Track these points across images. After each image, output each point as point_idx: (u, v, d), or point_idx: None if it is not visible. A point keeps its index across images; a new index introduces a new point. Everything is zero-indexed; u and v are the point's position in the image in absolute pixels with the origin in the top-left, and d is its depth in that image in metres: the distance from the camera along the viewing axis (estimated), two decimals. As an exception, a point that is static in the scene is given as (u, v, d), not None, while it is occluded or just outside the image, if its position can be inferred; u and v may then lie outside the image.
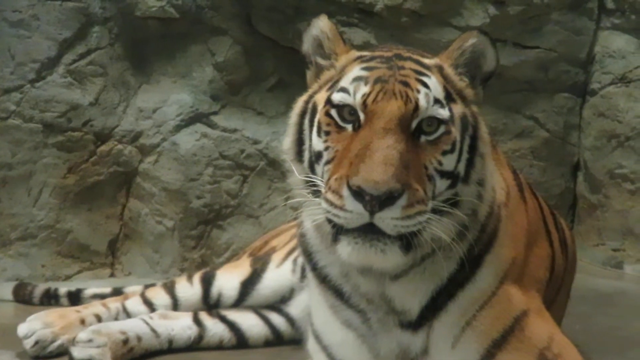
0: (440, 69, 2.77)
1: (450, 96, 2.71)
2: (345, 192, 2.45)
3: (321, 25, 2.89)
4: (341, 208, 2.47)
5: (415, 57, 2.80)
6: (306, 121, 2.79)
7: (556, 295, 3.46)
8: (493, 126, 6.11)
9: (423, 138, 2.60)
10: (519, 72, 6.50)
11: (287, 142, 2.88)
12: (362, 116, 2.59)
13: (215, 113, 5.92)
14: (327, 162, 2.64)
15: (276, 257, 4.11)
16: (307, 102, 2.83)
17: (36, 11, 5.44)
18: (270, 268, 4.07)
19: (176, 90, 5.84)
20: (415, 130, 2.59)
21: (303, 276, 3.80)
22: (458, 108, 2.71)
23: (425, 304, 2.78)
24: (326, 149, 2.65)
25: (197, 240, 5.72)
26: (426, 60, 2.80)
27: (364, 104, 2.59)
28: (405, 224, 2.46)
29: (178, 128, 5.78)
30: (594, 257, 6.32)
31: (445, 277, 2.78)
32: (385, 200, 2.40)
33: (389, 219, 2.43)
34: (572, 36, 6.57)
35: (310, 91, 2.88)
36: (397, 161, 2.43)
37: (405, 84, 2.62)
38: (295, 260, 3.99)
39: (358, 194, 2.41)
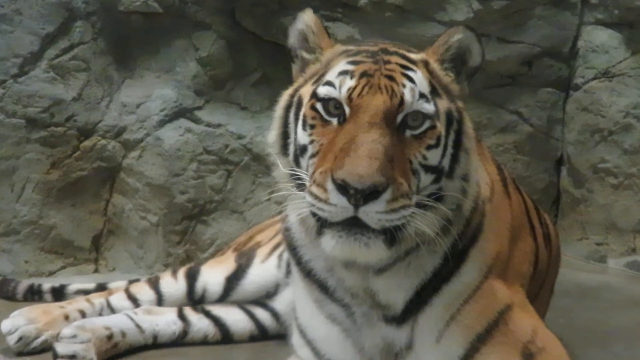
0: (426, 64, 2.78)
1: (435, 91, 2.72)
2: (329, 185, 2.45)
3: (306, 19, 2.90)
4: (325, 201, 2.47)
5: (401, 51, 2.80)
6: (291, 115, 2.79)
7: (540, 289, 3.48)
8: (477, 121, 6.13)
9: (408, 132, 2.60)
10: (502, 67, 6.52)
11: (272, 135, 2.89)
12: (347, 110, 2.60)
13: (199, 108, 5.91)
14: (312, 156, 2.64)
15: (261, 253, 4.11)
16: (292, 96, 2.84)
17: (18, 6, 5.41)
18: (255, 263, 4.07)
19: (160, 85, 5.82)
20: (400, 124, 2.59)
21: (288, 272, 3.80)
22: (443, 103, 2.72)
23: (410, 298, 2.80)
24: (311, 142, 2.66)
25: (181, 236, 5.71)
26: (412, 55, 2.80)
27: (350, 97, 2.59)
28: (389, 217, 2.46)
29: (162, 123, 5.76)
30: (577, 251, 6.35)
31: (430, 271, 2.80)
32: (370, 194, 2.40)
33: (373, 213, 2.43)
34: (556, 31, 6.59)
35: (295, 85, 2.89)
36: (381, 155, 2.43)
37: (391, 79, 2.63)
38: (280, 256, 3.99)
39: (342, 187, 2.41)
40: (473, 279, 2.84)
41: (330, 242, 2.51)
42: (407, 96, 2.60)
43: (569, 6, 6.61)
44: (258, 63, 6.06)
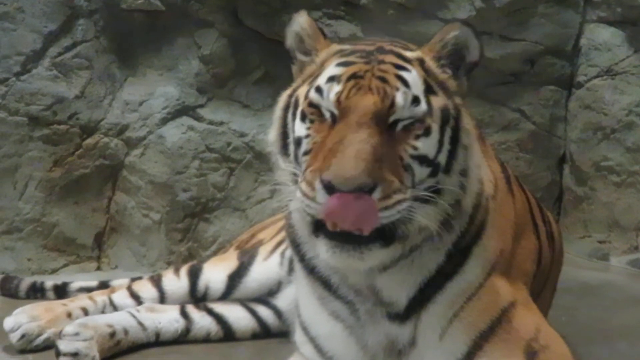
0: (421, 62, 2.76)
1: (430, 89, 2.70)
2: (318, 185, 2.45)
3: (301, 21, 2.91)
4: (313, 200, 2.48)
5: (396, 50, 2.79)
6: (290, 115, 2.80)
7: (543, 287, 3.48)
8: (479, 119, 6.12)
9: (399, 125, 2.59)
10: (505, 64, 6.52)
11: (272, 135, 2.90)
12: (337, 112, 2.60)
13: (201, 106, 5.91)
14: (305, 153, 2.65)
15: (263, 250, 4.10)
16: (290, 96, 2.85)
17: (21, 4, 5.41)
18: (257, 261, 4.06)
19: (162, 83, 5.83)
20: (391, 123, 2.59)
21: (291, 269, 3.80)
22: (438, 100, 2.70)
23: (413, 296, 2.79)
24: (306, 136, 2.67)
25: (183, 234, 5.71)
26: (408, 54, 2.79)
27: (338, 101, 2.60)
28: (384, 215, 2.46)
29: (164, 121, 5.76)
30: (580, 249, 6.35)
31: (433, 268, 2.79)
32: None
33: None
34: (558, 29, 6.59)
35: (294, 85, 2.90)
36: (369, 155, 2.42)
37: (383, 80, 2.62)
38: (282, 253, 3.99)
39: (330, 188, 2.42)
40: (476, 276, 2.84)
41: (326, 253, 2.53)
42: (399, 99, 2.58)
43: (572, 4, 6.61)
44: (260, 61, 6.06)
